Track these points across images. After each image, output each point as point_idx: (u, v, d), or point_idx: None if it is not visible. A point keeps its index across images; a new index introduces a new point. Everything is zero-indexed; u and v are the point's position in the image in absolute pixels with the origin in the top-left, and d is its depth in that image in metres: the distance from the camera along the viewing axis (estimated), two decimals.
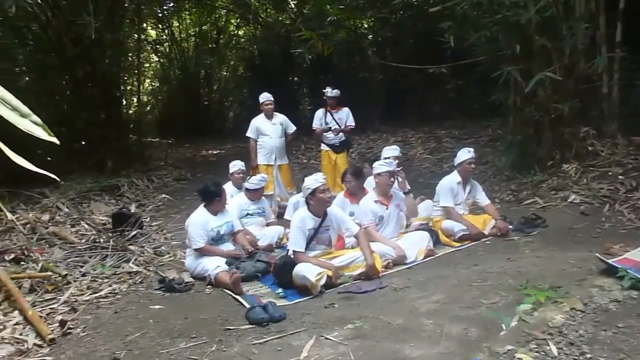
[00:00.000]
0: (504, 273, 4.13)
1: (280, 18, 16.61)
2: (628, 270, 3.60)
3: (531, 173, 7.40)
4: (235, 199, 6.24)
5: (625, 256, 4.05)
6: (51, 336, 3.75)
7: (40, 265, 5.16)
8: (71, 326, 4.00)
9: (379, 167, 5.42)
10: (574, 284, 3.66)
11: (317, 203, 4.75)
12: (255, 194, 6.26)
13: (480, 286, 3.90)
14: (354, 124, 7.83)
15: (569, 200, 6.33)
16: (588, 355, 2.71)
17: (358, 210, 5.56)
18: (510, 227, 5.69)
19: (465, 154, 5.83)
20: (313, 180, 4.72)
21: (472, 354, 2.82)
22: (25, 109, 1.41)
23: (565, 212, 6.06)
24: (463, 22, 7.88)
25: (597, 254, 3.96)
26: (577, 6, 7.28)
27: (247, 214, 6.15)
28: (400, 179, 5.67)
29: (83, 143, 11.08)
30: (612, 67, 7.39)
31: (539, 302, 3.30)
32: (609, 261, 3.83)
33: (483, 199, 5.95)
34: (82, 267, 5.34)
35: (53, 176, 1.51)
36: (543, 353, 2.75)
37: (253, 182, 6.28)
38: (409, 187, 5.79)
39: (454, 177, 5.87)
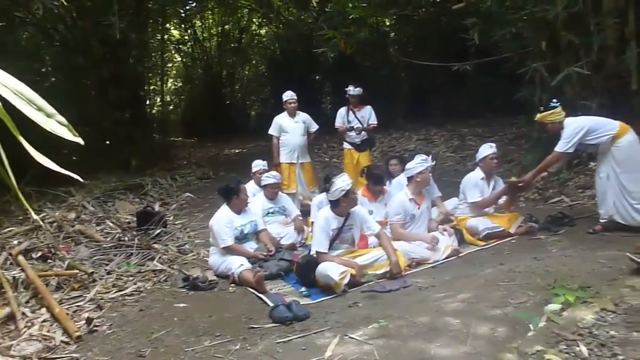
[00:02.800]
0: (531, 272, 4.04)
1: (302, 17, 16.61)
2: None
3: (557, 171, 7.26)
4: (256, 199, 6.25)
5: None
6: (78, 333, 3.80)
7: (66, 263, 5.24)
8: (97, 324, 4.05)
9: (419, 165, 5.35)
10: (605, 284, 3.56)
11: (349, 203, 4.73)
12: (269, 192, 6.21)
13: (507, 285, 3.82)
14: (376, 123, 7.76)
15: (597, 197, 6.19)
16: (620, 357, 2.62)
17: (380, 207, 5.60)
18: (536, 225, 5.60)
19: (487, 149, 5.77)
20: (344, 182, 4.65)
21: (500, 354, 2.77)
22: (50, 109, 1.41)
23: (593, 210, 5.91)
24: (487, 18, 7.78)
25: (628, 254, 3.85)
26: (605, 1, 7.12)
27: (268, 213, 6.15)
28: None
29: (108, 142, 11.25)
30: None
31: (568, 302, 3.22)
32: None
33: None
34: (107, 265, 5.41)
35: (76, 176, 1.51)
36: (573, 354, 2.68)
37: (263, 178, 6.27)
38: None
39: (478, 174, 5.80)
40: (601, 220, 5.23)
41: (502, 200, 5.80)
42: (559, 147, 5.17)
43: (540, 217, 5.86)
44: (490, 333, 3.06)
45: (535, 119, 5.47)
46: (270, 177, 6.23)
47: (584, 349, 2.70)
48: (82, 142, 1.44)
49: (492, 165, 5.75)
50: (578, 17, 7.15)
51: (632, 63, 7.07)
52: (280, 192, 6.41)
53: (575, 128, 5.10)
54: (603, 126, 5.09)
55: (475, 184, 5.72)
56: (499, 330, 3.06)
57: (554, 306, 3.18)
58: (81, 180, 1.56)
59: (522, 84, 8.19)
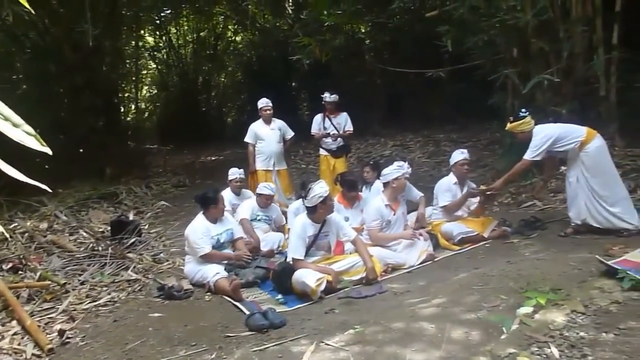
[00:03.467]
0: (504, 276, 4.11)
1: (277, 24, 16.64)
2: (628, 272, 3.58)
3: (530, 175, 7.38)
4: (248, 202, 6.34)
5: (625, 257, 4.05)
6: (50, 346, 3.73)
7: (38, 274, 5.14)
8: (70, 335, 3.98)
9: (395, 171, 5.37)
10: (575, 286, 3.64)
11: (326, 210, 4.74)
12: (263, 201, 6.24)
13: (481, 289, 3.88)
14: (352, 129, 7.80)
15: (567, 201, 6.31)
16: (590, 358, 2.69)
17: (355, 213, 5.70)
18: (509, 229, 5.69)
19: (458, 155, 5.88)
20: (321, 189, 4.66)
21: (473, 358, 2.81)
22: (17, 118, 1.38)
23: (564, 214, 6.02)
24: (460, 25, 7.90)
25: (597, 256, 3.95)
26: (574, 9, 7.30)
27: (255, 219, 6.18)
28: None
29: (81, 150, 11.09)
30: (609, 69, 7.41)
31: (539, 304, 3.29)
32: (609, 263, 3.82)
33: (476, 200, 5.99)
34: (80, 275, 5.33)
35: (43, 186, 1.48)
36: (544, 356, 2.73)
37: (261, 186, 6.34)
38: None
39: (451, 178, 5.92)
40: (572, 224, 5.34)
41: (475, 206, 5.89)
42: (527, 155, 5.27)
43: (514, 221, 5.97)
44: (465, 337, 3.10)
45: (506, 128, 5.56)
46: (266, 188, 6.27)
47: (555, 351, 2.76)
48: (50, 152, 1.42)
49: (462, 170, 5.85)
50: (548, 24, 7.32)
51: (600, 69, 7.27)
52: (273, 204, 6.43)
53: (544, 137, 5.20)
54: (571, 133, 5.20)
55: (447, 189, 5.81)
56: (473, 334, 3.11)
57: (526, 309, 3.25)
58: (49, 190, 1.54)
59: (494, 90, 8.32)
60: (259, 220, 6.22)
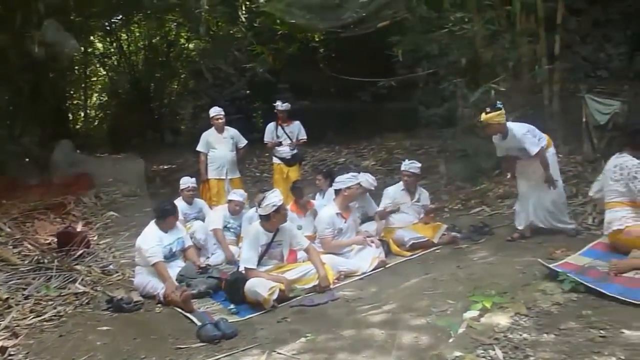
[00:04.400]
0: (454, 280, 4.23)
1: (231, 32, 16.52)
2: (568, 274, 3.75)
3: (479, 182, 7.59)
4: (220, 209, 6.32)
5: (566, 260, 4.23)
6: None
7: None
8: (12, 352, 3.83)
9: (348, 180, 5.44)
10: (519, 289, 3.78)
11: (279, 219, 4.73)
12: (232, 208, 6.17)
13: (431, 294, 3.97)
14: (305, 137, 7.83)
15: (515, 207, 6.51)
16: (532, 358, 2.79)
17: (308, 222, 5.78)
18: (459, 235, 5.83)
19: (403, 165, 6.15)
20: (275, 197, 4.67)
21: None
22: None
23: (511, 219, 6.20)
24: (412, 36, 8.07)
25: (539, 260, 4.10)
26: (518, 22, 7.58)
27: (225, 226, 6.11)
28: None
29: (27, 159, 10.73)
30: (552, 78, 7.71)
31: (485, 308, 3.39)
32: (551, 266, 3.98)
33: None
34: (24, 289, 5.10)
35: None
36: (489, 358, 2.82)
37: (231, 192, 6.40)
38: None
39: (399, 185, 6.12)
40: (519, 228, 5.52)
41: (422, 215, 6.05)
42: (534, 149, 5.22)
43: (464, 226, 6.12)
44: (414, 342, 3.16)
45: (481, 119, 5.51)
46: (235, 195, 6.24)
47: (499, 352, 2.85)
48: None
49: (404, 179, 6.08)
50: (495, 36, 7.57)
51: (542, 78, 7.56)
52: (243, 211, 6.34)
53: (526, 130, 5.31)
54: (538, 132, 5.40)
55: (387, 196, 6.05)
56: (422, 339, 3.19)
57: (473, 313, 3.35)
58: None
59: (445, 98, 8.52)
60: (228, 228, 6.13)
